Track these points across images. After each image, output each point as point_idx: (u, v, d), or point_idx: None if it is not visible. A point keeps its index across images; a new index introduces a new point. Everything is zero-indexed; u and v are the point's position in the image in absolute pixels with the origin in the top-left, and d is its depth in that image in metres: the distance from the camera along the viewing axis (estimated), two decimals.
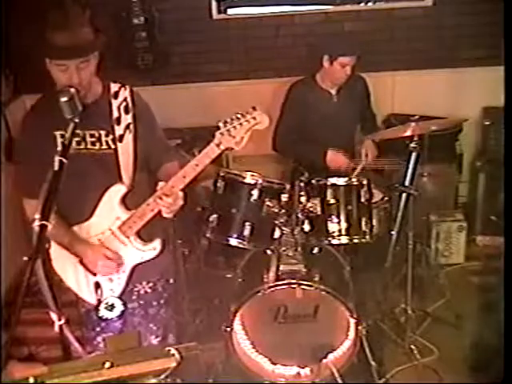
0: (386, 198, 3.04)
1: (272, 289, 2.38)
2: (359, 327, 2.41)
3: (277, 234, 2.62)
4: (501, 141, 3.51)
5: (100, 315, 2.10)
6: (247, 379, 2.54)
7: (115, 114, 2.04)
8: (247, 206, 2.69)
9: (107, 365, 1.36)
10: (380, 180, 3.18)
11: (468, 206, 4.01)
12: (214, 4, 3.90)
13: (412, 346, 2.83)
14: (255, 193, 2.68)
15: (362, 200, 2.74)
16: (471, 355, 2.83)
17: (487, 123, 3.91)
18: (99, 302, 2.10)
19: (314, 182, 2.74)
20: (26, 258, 1.40)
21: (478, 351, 2.82)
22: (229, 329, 2.43)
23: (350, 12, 3.96)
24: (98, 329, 2.19)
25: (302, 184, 2.71)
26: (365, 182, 2.75)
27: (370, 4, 3.98)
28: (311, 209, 2.66)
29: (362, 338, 2.46)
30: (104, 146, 2.03)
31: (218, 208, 2.75)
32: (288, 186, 2.72)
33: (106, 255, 2.04)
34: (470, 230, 3.73)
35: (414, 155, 2.82)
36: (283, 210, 2.62)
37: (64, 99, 1.81)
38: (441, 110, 3.75)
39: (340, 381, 2.43)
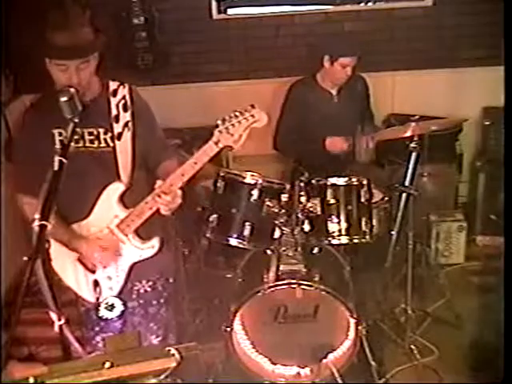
0: (386, 198, 3.03)
1: (272, 289, 2.38)
2: (359, 327, 2.41)
3: (277, 234, 2.62)
4: (501, 141, 3.51)
5: (100, 315, 2.10)
6: (247, 379, 2.53)
7: (114, 112, 2.04)
8: (247, 206, 2.69)
9: (107, 365, 1.36)
10: (380, 180, 3.18)
11: (468, 206, 4.01)
12: (213, 4, 3.90)
13: (412, 346, 2.83)
14: (255, 193, 2.68)
15: (362, 200, 2.74)
16: (471, 355, 2.83)
17: (487, 123, 3.91)
18: (98, 300, 2.10)
19: (313, 181, 2.74)
20: (25, 258, 1.40)
21: (478, 351, 2.82)
22: (229, 329, 2.43)
23: (349, 12, 3.96)
24: (97, 328, 2.20)
25: (301, 184, 2.71)
26: (365, 182, 2.75)
27: (369, 4, 3.99)
28: (311, 209, 2.66)
29: (361, 338, 2.46)
30: (102, 144, 2.03)
31: (218, 208, 2.75)
32: (288, 186, 2.72)
33: (101, 246, 2.04)
34: (470, 230, 3.72)
35: (413, 155, 2.82)
36: (283, 210, 2.62)
37: (64, 99, 1.81)
38: (441, 110, 3.75)
39: (340, 381, 2.43)
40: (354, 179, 2.76)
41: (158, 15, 3.80)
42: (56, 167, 1.64)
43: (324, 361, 2.46)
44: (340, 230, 2.71)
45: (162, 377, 1.38)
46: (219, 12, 3.94)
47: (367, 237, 2.73)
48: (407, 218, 2.86)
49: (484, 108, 3.97)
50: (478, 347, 2.85)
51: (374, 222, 2.82)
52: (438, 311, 3.19)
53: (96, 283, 2.11)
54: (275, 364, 2.55)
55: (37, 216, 1.48)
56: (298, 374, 2.54)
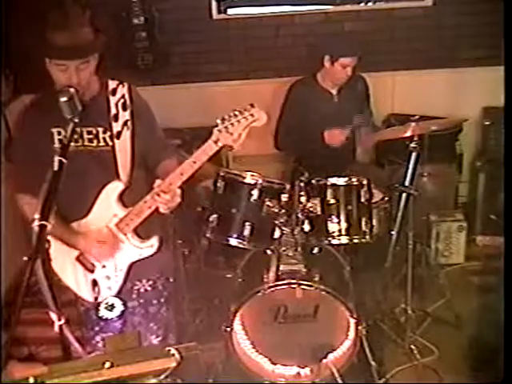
0: (386, 198, 3.03)
1: (272, 289, 2.38)
2: (359, 327, 2.41)
3: (277, 234, 2.62)
4: (501, 141, 3.51)
5: (100, 315, 2.10)
6: (247, 379, 2.53)
7: (113, 111, 2.04)
8: (247, 206, 2.69)
9: (107, 365, 1.36)
10: (380, 180, 3.18)
11: (468, 206, 4.01)
12: (213, 4, 3.90)
13: (412, 346, 2.83)
14: (255, 193, 2.68)
15: (362, 200, 2.74)
16: (471, 355, 2.83)
17: (487, 123, 3.91)
18: (96, 299, 2.10)
19: (314, 181, 2.74)
20: (25, 258, 1.40)
21: (478, 351, 2.82)
22: (229, 329, 2.43)
23: (350, 12, 3.96)
24: (97, 328, 2.20)
25: (302, 184, 2.71)
26: (365, 182, 2.75)
27: (369, 4, 3.99)
28: (311, 209, 2.66)
29: (361, 338, 2.46)
30: (101, 143, 2.03)
31: (218, 208, 2.75)
32: (288, 186, 2.72)
33: (99, 241, 2.04)
34: (470, 230, 3.72)
35: (414, 155, 2.82)
36: (283, 210, 2.62)
37: (64, 99, 1.81)
38: (441, 110, 3.75)
39: (340, 381, 2.43)
40: (353, 179, 2.75)
41: (157, 15, 3.80)
42: (56, 167, 1.64)
43: (324, 361, 2.46)
44: (340, 230, 2.71)
45: (162, 377, 1.38)
46: (219, 12, 3.94)
47: (367, 237, 2.73)
48: (407, 218, 2.86)
49: (484, 108, 3.97)
50: (477, 347, 2.85)
51: (374, 222, 2.82)
52: (438, 311, 3.19)
53: (95, 283, 2.11)
54: (275, 364, 2.55)
55: (37, 216, 1.48)
56: (298, 373, 2.54)
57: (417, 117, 2.86)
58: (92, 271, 2.10)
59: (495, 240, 3.71)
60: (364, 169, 3.51)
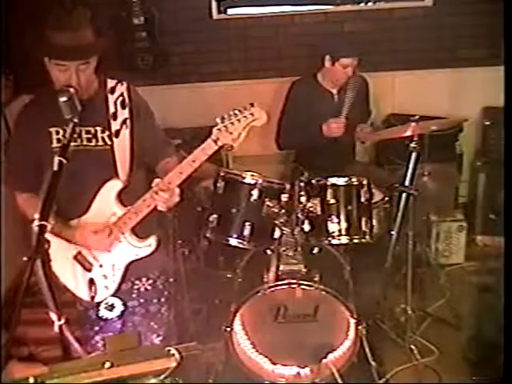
0: (386, 198, 3.03)
1: (272, 289, 2.38)
2: (359, 327, 2.41)
3: (277, 234, 2.61)
4: (501, 141, 3.50)
5: (100, 315, 2.10)
6: (247, 379, 2.53)
7: (112, 109, 2.04)
8: (247, 206, 2.70)
9: (107, 365, 1.36)
10: (380, 180, 3.18)
11: (468, 205, 4.01)
12: (213, 4, 3.90)
13: (412, 346, 2.83)
14: (255, 193, 2.68)
15: (362, 200, 2.74)
16: (471, 355, 2.83)
17: (487, 123, 3.91)
18: (93, 299, 2.10)
19: (314, 181, 2.74)
20: (25, 258, 1.40)
21: (478, 351, 2.82)
22: (229, 329, 2.43)
23: (349, 12, 3.96)
24: (96, 328, 2.19)
25: (302, 184, 2.71)
26: (365, 182, 2.75)
27: (369, 4, 3.98)
28: (311, 209, 2.66)
29: (361, 338, 2.46)
30: (100, 143, 2.03)
31: (218, 208, 2.75)
32: (288, 186, 2.72)
33: (93, 230, 2.03)
34: (470, 229, 3.72)
35: (414, 155, 2.82)
36: (283, 210, 2.62)
37: (63, 99, 1.81)
38: (441, 110, 3.75)
39: (340, 381, 2.43)
40: (353, 179, 2.76)
41: (158, 15, 3.80)
42: (56, 167, 1.64)
43: (324, 361, 2.46)
44: (340, 230, 2.71)
45: (162, 377, 1.38)
46: (219, 12, 3.94)
47: (367, 237, 2.73)
48: (407, 218, 2.85)
49: (484, 108, 3.97)
50: (477, 347, 2.85)
51: (374, 222, 2.82)
52: (438, 311, 3.19)
53: (92, 282, 2.10)
54: (275, 364, 2.55)
55: (36, 216, 1.48)
56: (298, 373, 2.54)
57: (417, 117, 2.86)
58: (89, 270, 2.10)
59: (495, 240, 3.71)
60: (364, 169, 3.51)
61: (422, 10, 3.90)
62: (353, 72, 3.31)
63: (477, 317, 3.07)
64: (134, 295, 2.19)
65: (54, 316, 1.53)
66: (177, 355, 1.40)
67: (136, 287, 2.19)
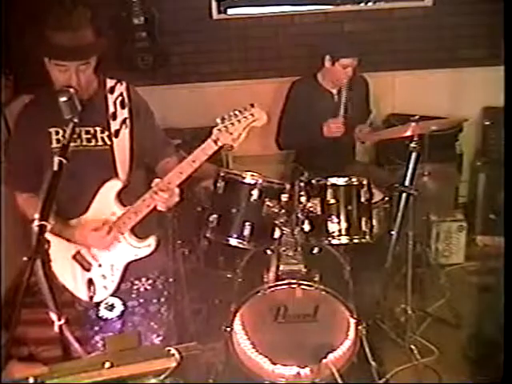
0: (386, 198, 3.03)
1: (272, 289, 2.38)
2: (359, 327, 2.41)
3: (277, 234, 2.61)
4: (501, 141, 3.50)
5: (100, 315, 2.10)
6: (247, 379, 2.53)
7: (111, 109, 2.04)
8: (247, 206, 2.70)
9: (107, 365, 1.36)
10: (380, 180, 3.18)
11: (468, 206, 4.01)
12: (213, 4, 3.90)
13: (412, 346, 2.83)
14: (255, 193, 2.68)
15: (362, 200, 2.74)
16: (471, 355, 2.83)
17: (487, 123, 3.91)
18: (92, 299, 2.10)
19: (314, 181, 2.74)
20: (25, 258, 1.40)
21: (478, 351, 2.82)
22: (229, 329, 2.43)
23: (349, 12, 3.96)
24: (96, 328, 2.19)
25: (302, 184, 2.71)
26: (365, 182, 2.75)
27: (369, 4, 3.98)
28: (311, 209, 2.66)
29: (361, 338, 2.46)
30: (100, 143, 2.03)
31: (218, 208, 2.75)
32: (288, 186, 2.72)
33: (92, 228, 2.03)
34: (470, 229, 3.72)
35: (414, 155, 2.82)
36: (283, 210, 2.62)
37: (63, 99, 1.81)
38: (441, 110, 3.75)
39: (340, 381, 2.43)
40: (353, 179, 2.76)
41: (158, 15, 3.80)
42: (56, 167, 1.64)
43: (324, 361, 2.46)
44: (340, 230, 2.71)
45: (162, 377, 1.38)
46: (219, 12, 3.94)
47: (367, 237, 2.73)
48: (407, 218, 2.85)
49: (484, 108, 3.97)
50: (477, 347, 2.85)
51: (374, 222, 2.82)
52: (438, 311, 3.19)
53: (90, 282, 2.10)
54: (275, 364, 2.55)
55: (36, 216, 1.48)
56: (298, 373, 2.54)
57: (417, 117, 2.86)
58: (88, 270, 2.10)
59: (495, 240, 3.71)
60: (364, 169, 3.51)
61: (421, 9, 3.90)
62: (353, 72, 3.31)
63: (477, 317, 3.07)
64: (133, 295, 2.19)
65: (53, 316, 1.53)
66: (177, 355, 1.40)
67: (135, 287, 2.19)
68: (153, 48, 3.83)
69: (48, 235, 1.48)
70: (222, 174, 2.75)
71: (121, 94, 2.06)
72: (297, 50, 3.98)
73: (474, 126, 3.98)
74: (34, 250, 1.42)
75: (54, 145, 1.98)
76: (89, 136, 2.01)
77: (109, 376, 1.35)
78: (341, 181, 2.74)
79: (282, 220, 2.60)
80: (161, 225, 2.36)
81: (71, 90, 1.84)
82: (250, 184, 2.70)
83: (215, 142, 1.91)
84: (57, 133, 1.98)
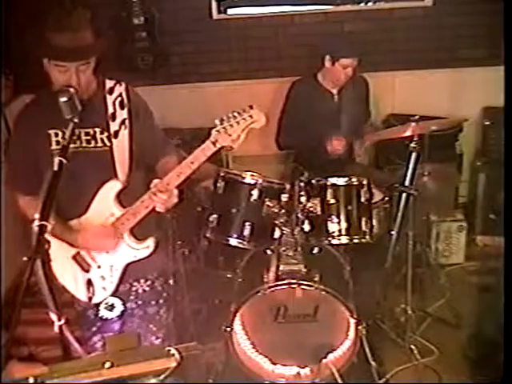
0: (386, 198, 3.04)
1: (272, 289, 2.38)
2: (359, 327, 2.41)
3: (277, 234, 2.61)
4: (501, 141, 3.50)
5: (100, 315, 2.10)
6: (247, 379, 2.53)
7: (110, 110, 2.04)
8: (247, 206, 2.70)
9: (107, 365, 1.36)
10: (380, 180, 3.18)
11: (468, 206, 4.01)
12: (213, 4, 3.90)
13: (412, 346, 2.83)
14: (255, 193, 2.68)
15: (362, 200, 2.74)
16: (471, 355, 2.83)
17: (487, 123, 3.91)
18: (91, 299, 2.10)
19: (314, 181, 2.74)
20: (25, 258, 1.40)
21: (478, 351, 2.82)
22: (229, 329, 2.43)
23: (349, 12, 3.96)
24: (94, 329, 2.19)
25: (302, 184, 2.71)
26: (365, 182, 2.75)
27: (369, 4, 3.98)
28: (311, 209, 2.66)
29: (361, 338, 2.46)
30: (99, 144, 2.03)
31: (218, 208, 2.75)
32: (288, 186, 2.72)
33: (96, 232, 2.03)
34: (470, 229, 3.72)
35: (414, 155, 2.82)
36: (283, 210, 2.62)
37: (63, 99, 1.81)
38: (441, 110, 3.75)
39: (340, 381, 2.43)
40: (353, 179, 2.76)
41: (158, 15, 3.80)
42: (56, 167, 1.64)
43: (324, 361, 2.46)
44: (340, 230, 2.71)
45: (162, 377, 1.38)
46: (219, 12, 3.94)
47: (367, 237, 2.73)
48: (407, 218, 2.85)
49: (484, 108, 3.97)
50: (477, 347, 2.85)
51: (374, 222, 2.82)
52: (438, 311, 3.19)
53: (89, 282, 2.10)
54: (275, 364, 2.55)
55: (36, 216, 1.48)
56: (298, 373, 2.54)
57: (417, 117, 2.86)
58: (87, 271, 2.10)
59: (495, 240, 3.71)
60: (364, 169, 3.51)
61: (421, 10, 3.89)
62: (353, 72, 3.31)
63: (477, 317, 3.07)
64: (131, 297, 2.18)
65: (53, 316, 1.53)
66: (177, 355, 1.40)
67: (134, 289, 2.19)
68: (153, 48, 3.83)
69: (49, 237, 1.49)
70: (221, 174, 2.75)
71: (120, 95, 2.06)
72: (297, 50, 3.98)
73: (474, 126, 3.98)
74: (34, 250, 1.42)
75: (54, 146, 1.98)
76: (88, 137, 2.01)
77: (109, 376, 1.35)
78: (341, 181, 2.74)
79: (282, 220, 2.60)
80: (160, 226, 2.35)
81: (71, 89, 1.84)
82: (250, 184, 2.70)
83: (214, 143, 1.91)
84: (56, 134, 1.98)
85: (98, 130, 2.02)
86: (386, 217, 3.02)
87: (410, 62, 4.00)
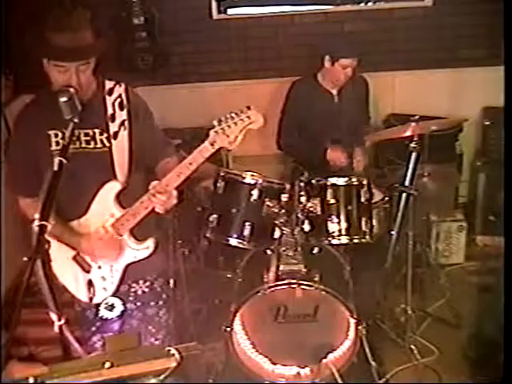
0: (386, 198, 3.04)
1: (272, 289, 2.38)
2: (359, 327, 2.41)
3: (277, 234, 2.61)
4: (501, 141, 3.50)
5: (100, 315, 2.10)
6: (247, 379, 2.53)
7: (110, 111, 2.03)
8: (247, 206, 2.70)
9: (107, 365, 1.36)
10: (380, 180, 3.18)
11: (468, 206, 4.01)
12: (213, 4, 3.90)
13: (412, 346, 2.83)
14: (255, 193, 2.68)
15: (362, 200, 2.74)
16: (471, 355, 2.83)
17: (487, 123, 3.91)
18: (91, 300, 2.10)
19: (314, 181, 2.74)
20: (25, 259, 1.40)
21: (478, 351, 2.82)
22: (229, 329, 2.43)
23: (349, 12, 3.96)
24: (93, 329, 2.18)
25: (302, 184, 2.71)
26: (365, 182, 2.76)
27: (369, 4, 3.98)
28: (311, 209, 2.66)
29: (361, 338, 2.46)
30: (99, 145, 2.02)
31: (218, 208, 2.76)
32: (288, 186, 2.72)
33: (100, 239, 2.02)
34: (470, 230, 3.73)
35: (414, 155, 2.82)
36: (283, 210, 2.62)
37: (63, 99, 1.81)
38: (441, 110, 3.75)
39: (340, 381, 2.43)
40: (353, 179, 2.76)
41: (158, 15, 3.80)
42: (56, 167, 1.64)
43: (324, 361, 2.46)
44: (340, 230, 2.71)
45: (162, 377, 1.38)
46: (219, 12, 3.94)
47: (367, 237, 2.73)
48: (407, 218, 2.86)
49: (484, 108, 3.97)
50: (477, 347, 2.85)
51: (374, 222, 2.83)
52: (438, 311, 3.19)
53: (90, 283, 2.10)
54: (275, 364, 2.55)
55: (36, 216, 1.48)
56: (298, 373, 2.54)
57: (417, 117, 2.86)
58: (88, 271, 2.10)
59: (495, 240, 3.72)
60: (364, 169, 3.51)
61: (421, 10, 3.90)
62: (353, 72, 3.31)
63: (477, 317, 3.07)
64: (131, 298, 2.18)
65: (53, 316, 1.53)
66: (177, 355, 1.40)
67: (133, 290, 2.18)
68: (153, 48, 3.83)
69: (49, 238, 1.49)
70: (221, 174, 2.75)
71: (119, 96, 2.06)
72: (297, 50, 3.98)
73: (474, 126, 3.98)
74: (34, 250, 1.42)
75: (54, 147, 1.98)
76: (88, 138, 2.01)
77: (109, 376, 1.35)
78: (341, 181, 2.74)
79: (282, 220, 2.60)
80: (159, 227, 2.35)
81: (71, 90, 1.84)
82: (250, 184, 2.70)
83: (212, 144, 1.90)
84: (56, 135, 1.97)
85: (97, 130, 2.01)
86: (386, 217, 3.03)
87: (410, 62, 4.00)
